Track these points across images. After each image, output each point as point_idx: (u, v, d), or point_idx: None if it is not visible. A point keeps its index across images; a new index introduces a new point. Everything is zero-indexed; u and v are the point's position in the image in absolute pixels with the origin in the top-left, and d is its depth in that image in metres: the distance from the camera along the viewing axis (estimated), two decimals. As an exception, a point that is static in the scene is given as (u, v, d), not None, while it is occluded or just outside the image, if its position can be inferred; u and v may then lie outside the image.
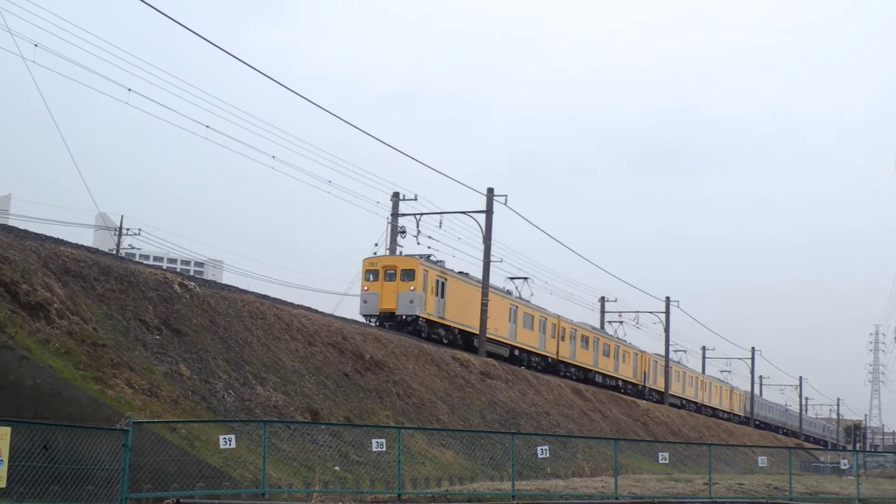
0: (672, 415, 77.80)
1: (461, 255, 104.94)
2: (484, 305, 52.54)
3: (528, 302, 62.01)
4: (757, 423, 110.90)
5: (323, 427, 29.16)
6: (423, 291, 46.97)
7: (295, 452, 26.41)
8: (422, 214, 53.92)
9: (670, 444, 51.73)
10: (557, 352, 64.36)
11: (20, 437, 16.95)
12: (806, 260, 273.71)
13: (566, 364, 66.02)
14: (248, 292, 36.04)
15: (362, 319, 47.54)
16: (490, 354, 52.69)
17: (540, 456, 26.45)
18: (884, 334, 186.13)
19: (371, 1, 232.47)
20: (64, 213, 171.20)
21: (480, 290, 52.05)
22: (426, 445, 33.83)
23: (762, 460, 36.50)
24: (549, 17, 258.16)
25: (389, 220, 54.99)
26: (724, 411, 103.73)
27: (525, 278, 63.22)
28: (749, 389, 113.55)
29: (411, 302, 46.72)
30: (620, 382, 75.67)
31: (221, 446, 21.29)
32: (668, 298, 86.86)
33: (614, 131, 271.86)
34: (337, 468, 27.13)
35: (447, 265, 51.52)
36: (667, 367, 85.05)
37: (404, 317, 47.12)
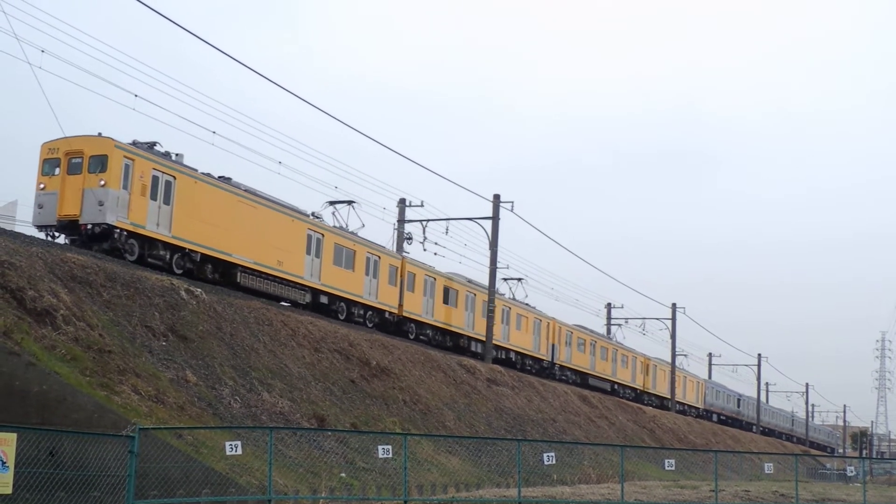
0: (678, 421, 77.66)
1: (467, 261, 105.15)
2: (490, 312, 52.50)
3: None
4: (723, 417, 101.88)
5: (329, 433, 29.16)
6: (122, 189, 31.31)
7: (301, 459, 26.40)
8: (428, 220, 53.93)
9: (677, 451, 51.61)
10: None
11: (26, 444, 16.95)
12: (808, 261, 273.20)
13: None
14: (255, 298, 36.04)
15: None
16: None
17: (546, 463, 26.39)
18: (890, 340, 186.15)
19: (375, 6, 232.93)
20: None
21: (271, 211, 38.00)
22: (432, 452, 33.79)
23: (768, 467, 36.40)
24: (550, 21, 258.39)
25: (396, 227, 55.03)
26: (677, 401, 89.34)
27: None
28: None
29: (101, 204, 30.76)
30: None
31: (227, 453, 21.28)
32: (674, 305, 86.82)
33: (615, 134, 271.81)
34: (343, 475, 27.10)
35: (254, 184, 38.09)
36: (672, 373, 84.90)
37: (90, 227, 31.04)
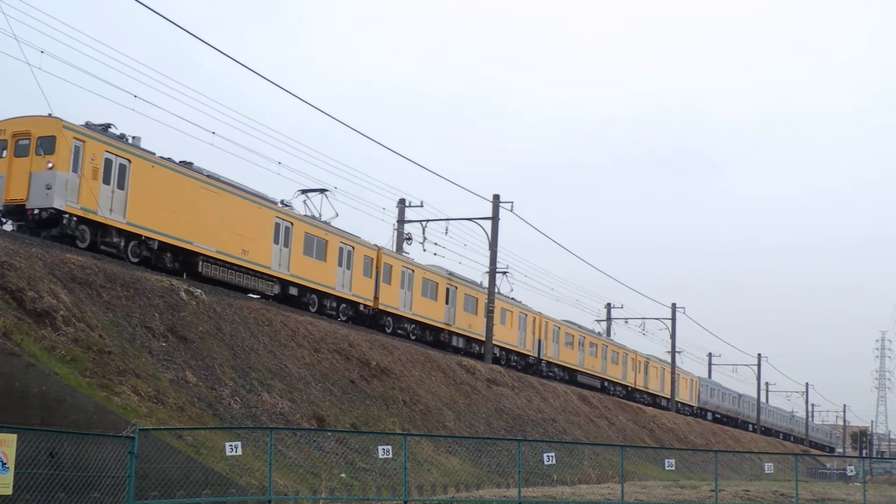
0: (678, 421, 77.67)
1: (467, 261, 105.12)
2: (490, 313, 52.49)
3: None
4: (718, 415, 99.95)
5: (329, 434, 29.16)
6: (72, 172, 29.82)
7: (301, 459, 26.40)
8: (428, 221, 53.99)
9: (677, 451, 51.68)
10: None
11: (26, 445, 16.95)
12: (808, 262, 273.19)
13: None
14: (255, 299, 36.05)
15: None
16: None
17: (546, 463, 26.40)
18: (890, 340, 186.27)
19: (374, 7, 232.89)
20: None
21: (236, 198, 36.20)
22: (432, 452, 33.80)
23: (769, 467, 36.39)
24: (550, 22, 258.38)
25: (395, 227, 55.05)
26: (669, 399, 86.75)
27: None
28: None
29: (48, 188, 29.33)
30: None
31: (227, 453, 21.29)
32: (674, 305, 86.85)
33: (615, 134, 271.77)
34: (343, 475, 27.11)
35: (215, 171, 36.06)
36: (672, 373, 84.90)
37: (37, 212, 29.50)
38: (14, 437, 16.35)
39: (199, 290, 31.72)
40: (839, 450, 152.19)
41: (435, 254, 53.74)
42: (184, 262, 34.26)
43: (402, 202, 55.78)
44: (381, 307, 45.09)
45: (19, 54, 28.75)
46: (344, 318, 42.49)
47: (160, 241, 32.98)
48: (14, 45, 28.41)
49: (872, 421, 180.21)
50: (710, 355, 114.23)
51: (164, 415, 23.94)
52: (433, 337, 49.95)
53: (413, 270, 47.89)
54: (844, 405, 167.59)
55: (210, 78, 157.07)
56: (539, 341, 61.13)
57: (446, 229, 53.67)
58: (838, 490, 36.95)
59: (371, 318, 44.67)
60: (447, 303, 50.81)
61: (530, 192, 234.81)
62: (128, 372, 24.56)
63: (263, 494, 21.66)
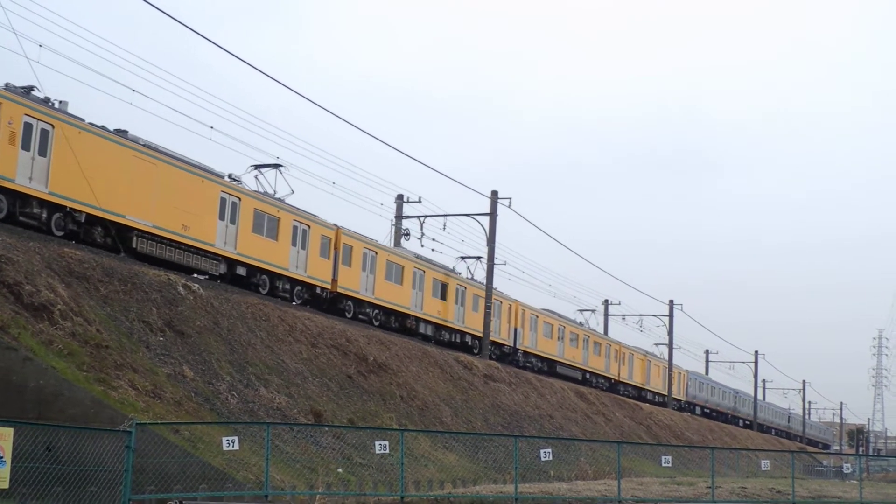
0: (675, 418, 77.74)
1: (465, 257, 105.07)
2: (487, 308, 52.49)
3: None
4: (708, 410, 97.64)
5: (326, 429, 29.17)
6: None
7: (298, 454, 26.43)
8: (426, 217, 53.96)
9: (673, 448, 51.69)
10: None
11: (23, 439, 16.96)
12: (807, 261, 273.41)
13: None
14: (252, 294, 36.03)
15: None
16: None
17: (543, 459, 26.43)
18: (887, 338, 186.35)
19: (374, 5, 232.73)
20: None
21: (177, 170, 33.57)
22: (429, 448, 33.83)
23: (765, 464, 36.49)
24: (550, 21, 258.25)
25: (393, 223, 55.05)
26: (655, 392, 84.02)
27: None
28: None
29: None
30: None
31: (224, 448, 21.31)
32: (671, 302, 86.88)
33: (615, 134, 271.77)
34: (340, 470, 27.13)
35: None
36: (669, 371, 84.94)
37: None
38: (11, 430, 16.36)
39: (197, 285, 31.72)
40: (835, 447, 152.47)
41: (433, 249, 53.74)
42: (116, 238, 31.82)
43: (400, 198, 55.76)
44: (340, 290, 42.32)
45: (18, 48, 28.60)
46: (299, 302, 40.12)
47: (88, 214, 30.50)
48: (13, 38, 28.34)
49: (869, 419, 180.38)
50: (707, 352, 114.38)
51: (162, 409, 23.95)
52: (399, 323, 47.27)
53: (376, 252, 45.10)
54: (841, 403, 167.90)
55: (208, 72, 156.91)
56: (515, 330, 58.57)
57: (444, 225, 53.66)
58: (835, 487, 36.99)
59: (329, 302, 42.21)
60: (414, 287, 48.03)
61: (530, 192, 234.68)
62: (125, 366, 24.58)
63: (260, 489, 21.66)
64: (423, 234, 53.59)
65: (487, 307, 52.47)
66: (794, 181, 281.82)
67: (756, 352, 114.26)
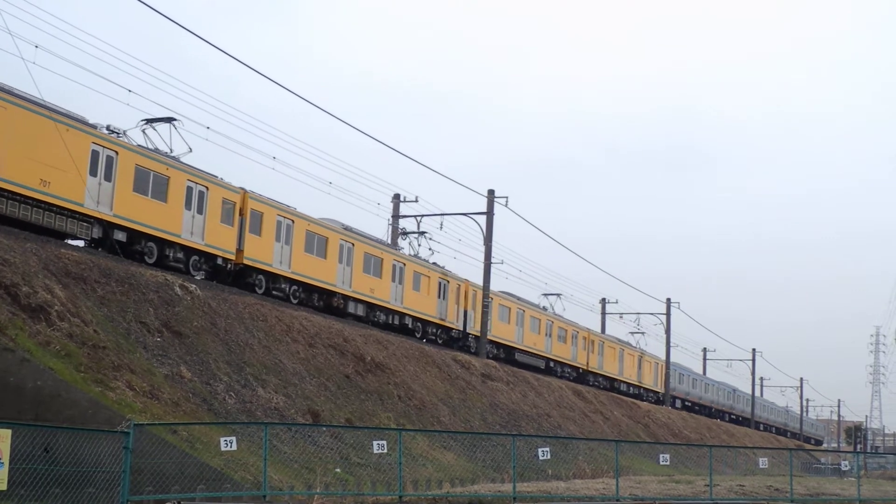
0: (673, 416, 77.79)
1: (462, 256, 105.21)
2: (486, 308, 52.49)
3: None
4: (688, 404, 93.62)
5: (324, 429, 29.16)
6: None
7: (296, 454, 26.42)
8: (422, 216, 53.95)
9: (671, 446, 51.68)
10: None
11: (21, 440, 16.96)
12: (805, 258, 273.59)
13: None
14: (250, 294, 35.99)
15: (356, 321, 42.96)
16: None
17: (541, 458, 26.44)
18: (884, 335, 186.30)
19: (371, 1, 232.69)
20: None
21: (33, 115, 28.53)
22: (427, 447, 33.83)
23: (763, 462, 36.49)
24: (547, 18, 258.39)
25: (390, 222, 55.08)
26: (628, 383, 79.46)
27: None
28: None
29: None
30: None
31: (222, 448, 21.29)
32: (668, 300, 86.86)
33: (612, 131, 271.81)
34: (338, 470, 27.13)
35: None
36: (667, 370, 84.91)
37: None
38: (9, 432, 16.35)
39: (194, 286, 31.71)
40: (831, 444, 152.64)
41: (430, 248, 53.63)
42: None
43: (396, 197, 55.80)
44: (246, 262, 37.27)
45: (14, 49, 28.56)
46: (195, 273, 35.09)
47: None
48: (8, 39, 28.27)
49: (867, 416, 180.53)
50: (704, 350, 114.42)
51: (159, 410, 23.95)
52: (323, 302, 42.05)
53: (293, 221, 39.61)
54: (839, 400, 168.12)
55: (203, 71, 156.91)
56: (465, 312, 53.58)
57: (441, 224, 53.58)
58: (833, 485, 37.03)
59: (235, 276, 37.30)
60: (341, 262, 42.64)
61: (527, 189, 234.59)
62: (122, 367, 24.57)
63: (258, 489, 21.66)
64: (420, 233, 53.54)
65: (485, 306, 52.45)
66: (792, 179, 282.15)
67: (753, 349, 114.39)
